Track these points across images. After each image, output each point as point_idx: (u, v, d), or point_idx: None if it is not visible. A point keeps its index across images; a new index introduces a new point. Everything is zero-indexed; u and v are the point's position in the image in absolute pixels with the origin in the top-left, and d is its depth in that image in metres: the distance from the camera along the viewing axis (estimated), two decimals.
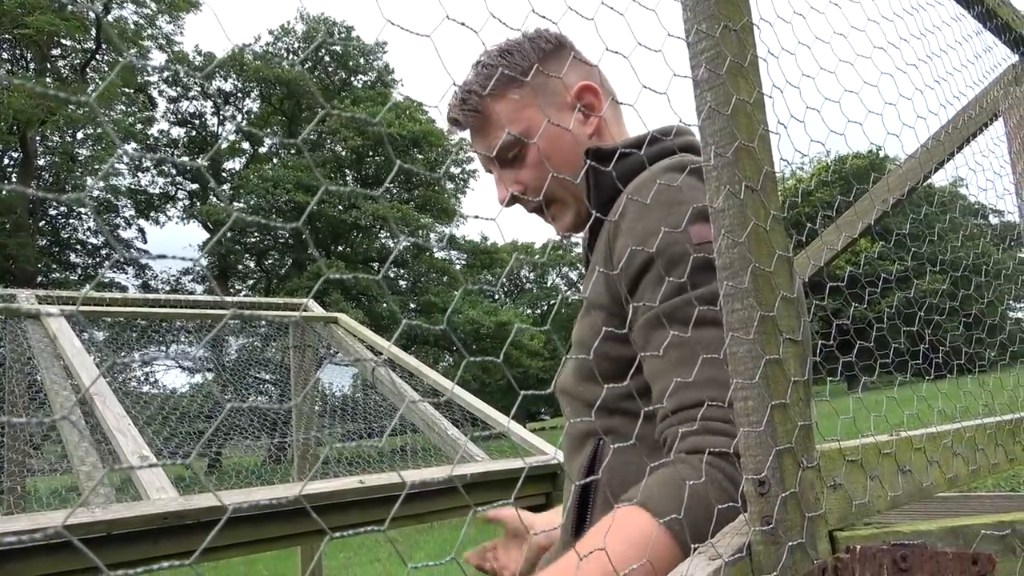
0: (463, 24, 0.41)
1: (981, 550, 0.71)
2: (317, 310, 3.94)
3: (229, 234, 24.58)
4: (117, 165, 22.66)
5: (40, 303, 3.11)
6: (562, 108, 0.97)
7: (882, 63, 0.90)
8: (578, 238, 1.08)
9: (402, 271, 25.95)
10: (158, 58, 24.32)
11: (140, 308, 3.37)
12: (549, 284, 37.81)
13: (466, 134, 1.04)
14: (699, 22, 0.70)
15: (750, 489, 0.62)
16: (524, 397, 0.60)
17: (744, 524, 0.64)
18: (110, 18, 21.20)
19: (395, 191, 26.44)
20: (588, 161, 0.91)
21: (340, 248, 25.83)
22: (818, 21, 0.81)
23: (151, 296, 3.50)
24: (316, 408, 4.08)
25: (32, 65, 21.67)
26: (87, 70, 22.21)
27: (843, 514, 0.69)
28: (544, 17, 0.55)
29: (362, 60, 28.67)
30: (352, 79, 28.59)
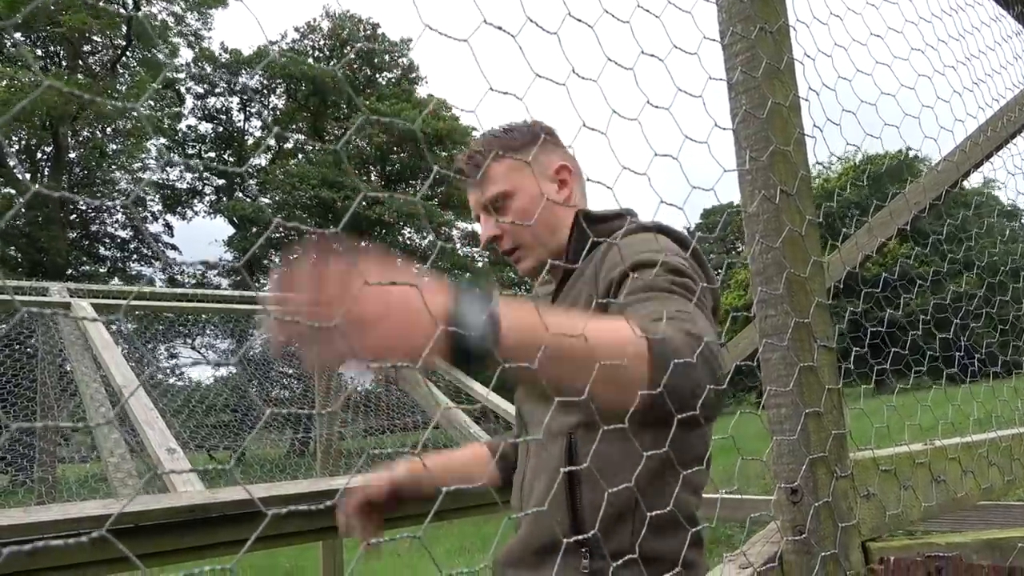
0: (500, 28, 0.41)
1: (1018, 563, 0.69)
2: None
3: (254, 229, 24.89)
4: (147, 160, 23.02)
5: (71, 296, 3.16)
6: (544, 178, 1.22)
7: (920, 65, 0.88)
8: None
9: (425, 266, 26.02)
10: (186, 55, 24.64)
11: (167, 303, 3.42)
12: None
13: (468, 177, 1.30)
14: (734, 23, 0.68)
15: (782, 498, 0.62)
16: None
17: (775, 532, 0.64)
18: (140, 15, 21.51)
19: (418, 187, 26.56)
20: (576, 219, 1.15)
21: (364, 244, 25.97)
22: (855, 22, 0.80)
23: (179, 290, 3.55)
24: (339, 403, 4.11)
25: (64, 62, 22.08)
26: (117, 67, 22.57)
27: (876, 524, 0.68)
28: (580, 20, 0.55)
29: (387, 57, 28.82)
30: (377, 76, 28.75)
